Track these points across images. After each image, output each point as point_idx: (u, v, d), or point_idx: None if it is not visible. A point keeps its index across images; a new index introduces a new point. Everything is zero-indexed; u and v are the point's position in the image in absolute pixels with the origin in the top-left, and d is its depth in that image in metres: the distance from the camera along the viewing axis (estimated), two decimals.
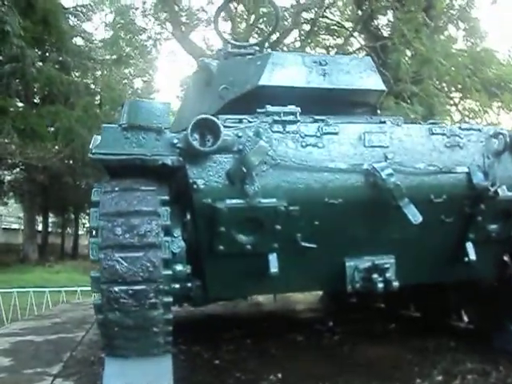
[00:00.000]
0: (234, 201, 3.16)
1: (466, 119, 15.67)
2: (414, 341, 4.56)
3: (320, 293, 6.85)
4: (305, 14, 18.66)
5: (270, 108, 3.36)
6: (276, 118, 3.30)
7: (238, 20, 21.51)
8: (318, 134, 3.34)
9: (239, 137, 3.19)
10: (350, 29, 17.23)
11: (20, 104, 23.70)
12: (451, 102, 15.74)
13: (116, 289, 2.96)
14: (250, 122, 3.33)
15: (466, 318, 5.02)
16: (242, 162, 3.09)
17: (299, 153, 3.28)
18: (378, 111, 4.78)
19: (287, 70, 4.12)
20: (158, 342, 3.23)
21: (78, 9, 25.96)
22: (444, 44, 12.26)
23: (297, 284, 3.66)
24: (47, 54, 23.59)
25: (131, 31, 23.55)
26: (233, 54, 4.89)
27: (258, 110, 3.39)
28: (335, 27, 18.90)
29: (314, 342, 4.73)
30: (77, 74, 25.06)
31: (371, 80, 4.31)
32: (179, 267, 3.25)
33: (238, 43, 5.56)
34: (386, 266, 3.49)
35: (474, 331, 4.77)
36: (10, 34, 13.24)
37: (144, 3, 23.40)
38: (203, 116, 3.09)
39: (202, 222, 3.24)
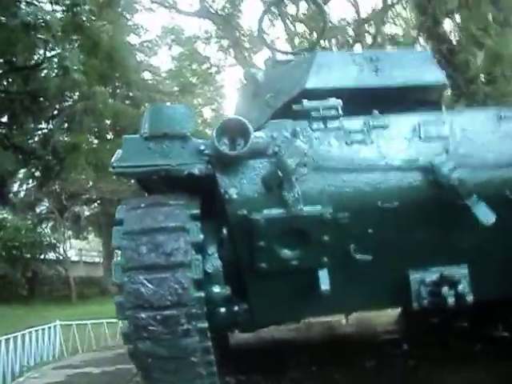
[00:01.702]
0: (273, 210, 2.78)
1: None
2: (502, 365, 3.96)
3: (397, 312, 6.30)
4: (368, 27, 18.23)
5: (306, 103, 2.98)
6: (315, 114, 2.91)
7: (301, 39, 21.31)
8: (365, 130, 2.93)
9: (274, 138, 2.83)
10: (415, 37, 16.63)
11: (95, 140, 24.47)
12: None
13: (143, 315, 2.66)
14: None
15: None
16: (278, 165, 2.73)
17: (344, 152, 2.87)
18: (444, 109, 4.28)
19: (335, 70, 3.75)
20: (200, 374, 2.91)
21: (144, 44, 26.69)
22: None
23: (353, 303, 3.22)
24: (118, 91, 24.28)
25: (195, 60, 23.94)
26: (280, 62, 4.58)
27: (294, 107, 3.02)
28: (401, 38, 18.32)
29: (385, 367, 4.24)
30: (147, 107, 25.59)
31: (430, 74, 3.86)
32: (216, 289, 2.92)
33: (285, 51, 5.27)
34: (457, 277, 2.99)
35: None
36: (69, 69, 13.58)
37: (206, 32, 23.79)
38: (229, 117, 2.76)
39: (239, 236, 2.89)
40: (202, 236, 2.82)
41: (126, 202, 2.97)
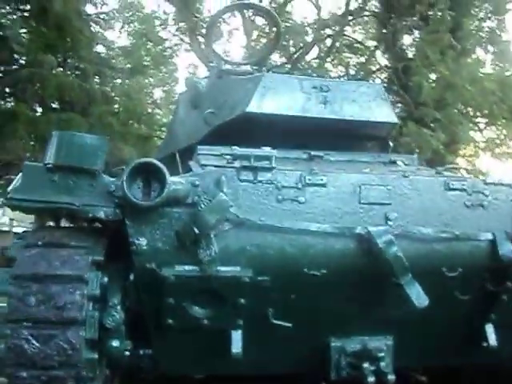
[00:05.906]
0: (186, 267, 2.48)
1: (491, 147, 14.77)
2: None
3: None
4: (328, 31, 18.00)
5: (237, 150, 2.67)
6: (245, 163, 2.61)
7: (261, 34, 20.88)
8: (300, 186, 2.63)
9: (195, 186, 2.51)
10: (373, 48, 16.50)
11: (39, 109, 23.33)
12: (476, 128, 14.86)
13: (24, 374, 2.32)
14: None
15: None
16: (195, 220, 2.41)
17: (273, 209, 2.58)
18: (391, 143, 4.07)
19: (281, 96, 3.52)
20: None
21: (100, 16, 25.61)
22: (470, 68, 11.37)
23: (267, 367, 2.95)
24: (68, 61, 23.18)
25: (152, 41, 23.15)
26: (227, 72, 4.24)
27: (223, 152, 2.71)
28: (358, 45, 18.18)
29: None
30: (97, 82, 24.62)
31: (381, 111, 3.69)
32: (115, 343, 2.59)
33: (233, 61, 4.94)
34: (381, 353, 2.76)
35: None
36: (8, 39, 12.60)
37: (165, 13, 23.06)
38: (144, 160, 2.42)
39: (145, 290, 2.57)
40: (105, 282, 2.53)
41: (23, 235, 2.61)
